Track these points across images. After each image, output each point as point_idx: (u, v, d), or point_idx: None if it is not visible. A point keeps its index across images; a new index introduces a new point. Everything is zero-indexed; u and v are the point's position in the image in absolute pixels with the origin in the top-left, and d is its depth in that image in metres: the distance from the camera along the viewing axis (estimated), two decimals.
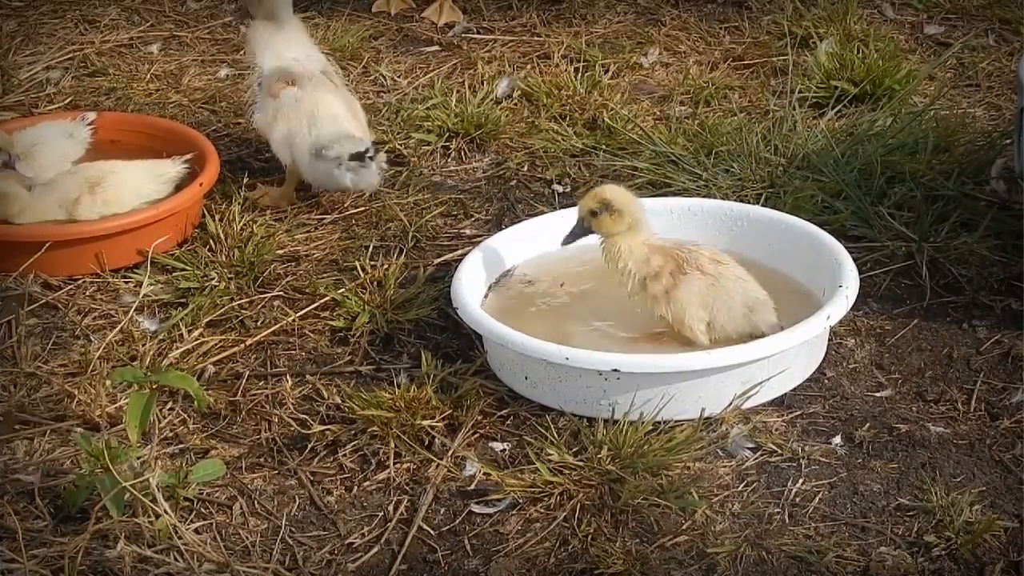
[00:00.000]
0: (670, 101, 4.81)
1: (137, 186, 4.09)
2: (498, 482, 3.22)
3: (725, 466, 3.28)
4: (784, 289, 3.68)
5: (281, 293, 3.90)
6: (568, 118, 4.70)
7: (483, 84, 4.88)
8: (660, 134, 4.53)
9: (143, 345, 3.68)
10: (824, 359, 3.61)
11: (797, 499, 3.20)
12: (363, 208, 4.27)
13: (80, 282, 3.96)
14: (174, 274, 3.96)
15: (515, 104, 4.80)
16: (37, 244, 3.92)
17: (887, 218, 3.99)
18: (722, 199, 4.09)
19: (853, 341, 3.69)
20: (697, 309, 3.51)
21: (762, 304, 3.53)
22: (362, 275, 3.93)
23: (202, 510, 3.21)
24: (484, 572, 3.05)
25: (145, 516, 3.08)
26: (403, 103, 4.80)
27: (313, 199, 4.30)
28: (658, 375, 3.33)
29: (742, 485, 3.23)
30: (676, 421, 3.36)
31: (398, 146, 4.55)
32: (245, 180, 4.32)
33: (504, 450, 3.35)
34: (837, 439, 3.36)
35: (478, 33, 5.32)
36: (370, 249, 4.07)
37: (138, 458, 3.17)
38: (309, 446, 3.37)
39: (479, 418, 3.43)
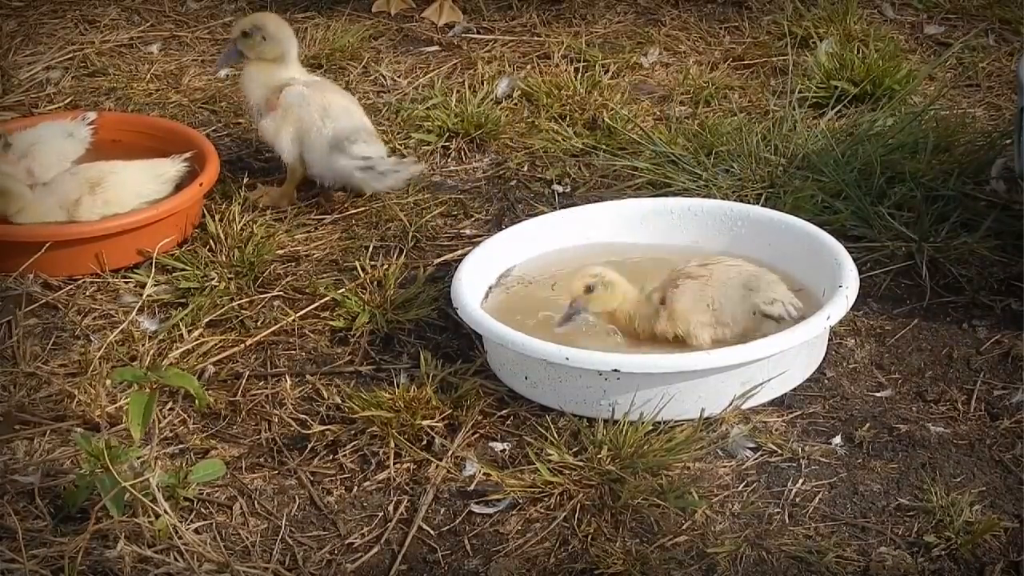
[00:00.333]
0: (670, 101, 4.81)
1: (137, 186, 4.09)
2: (498, 482, 3.22)
3: (725, 466, 3.28)
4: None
5: (281, 293, 3.90)
6: (568, 118, 4.70)
7: (483, 84, 4.88)
8: (660, 134, 4.53)
9: (143, 345, 3.68)
10: (824, 359, 3.61)
11: (797, 499, 3.20)
12: (363, 208, 4.27)
13: (80, 282, 3.96)
14: (174, 274, 3.96)
15: (515, 104, 4.80)
16: (37, 244, 3.92)
17: (887, 218, 3.99)
18: (722, 199, 4.09)
19: (853, 341, 3.69)
20: (697, 315, 3.51)
21: (764, 282, 3.52)
22: (362, 275, 3.93)
23: (202, 510, 3.21)
24: (484, 572, 3.05)
25: (145, 516, 3.08)
26: (403, 103, 4.80)
27: (313, 199, 4.30)
28: (658, 375, 3.33)
29: (742, 485, 3.23)
30: (676, 421, 3.36)
31: (398, 146, 4.55)
32: (245, 180, 4.32)
33: (504, 450, 3.35)
34: (837, 439, 3.36)
35: (478, 33, 5.33)
36: (370, 249, 4.07)
37: (138, 458, 3.17)
38: (309, 446, 3.37)
39: (479, 418, 3.43)
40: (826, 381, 3.55)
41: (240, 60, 4.34)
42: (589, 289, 3.55)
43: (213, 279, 3.91)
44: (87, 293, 3.93)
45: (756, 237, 3.85)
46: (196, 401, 3.41)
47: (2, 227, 3.98)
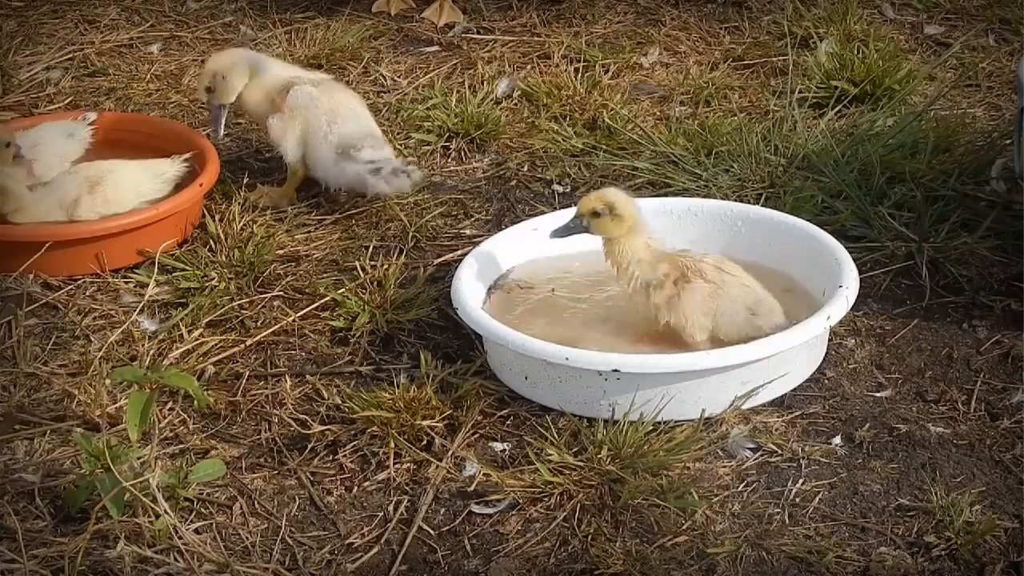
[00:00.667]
0: (670, 101, 4.81)
1: (136, 185, 4.10)
2: (498, 482, 3.22)
3: (725, 466, 3.28)
4: (784, 289, 3.68)
5: (281, 293, 3.90)
6: (568, 118, 4.70)
7: (483, 84, 4.89)
8: (660, 134, 4.53)
9: (143, 345, 3.68)
10: (824, 359, 3.61)
11: (797, 499, 3.20)
12: (363, 208, 4.27)
13: (80, 282, 3.96)
14: (174, 274, 3.96)
15: (515, 104, 4.80)
16: (37, 244, 3.92)
17: (887, 218, 3.99)
18: (722, 199, 4.09)
19: (853, 341, 3.69)
20: (699, 317, 3.51)
21: (766, 307, 3.52)
22: (362, 275, 3.93)
23: (202, 510, 3.21)
24: (484, 572, 3.05)
25: (145, 516, 3.08)
26: (403, 103, 4.80)
27: (313, 199, 4.30)
28: (658, 375, 3.33)
29: (742, 485, 3.23)
30: (676, 421, 3.36)
31: (398, 146, 4.55)
32: (245, 180, 4.33)
33: (504, 450, 3.35)
34: (837, 439, 3.36)
35: (478, 33, 5.33)
36: (370, 249, 4.07)
37: (138, 458, 3.17)
38: (309, 446, 3.37)
39: (479, 418, 3.43)
40: (826, 381, 3.55)
41: (227, 109, 4.32)
42: (596, 214, 3.54)
43: (213, 279, 3.91)
44: (87, 293, 3.93)
45: (756, 237, 3.85)
46: (195, 401, 3.41)
47: (2, 227, 3.99)
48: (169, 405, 3.51)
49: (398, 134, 4.62)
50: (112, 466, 3.08)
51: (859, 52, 4.91)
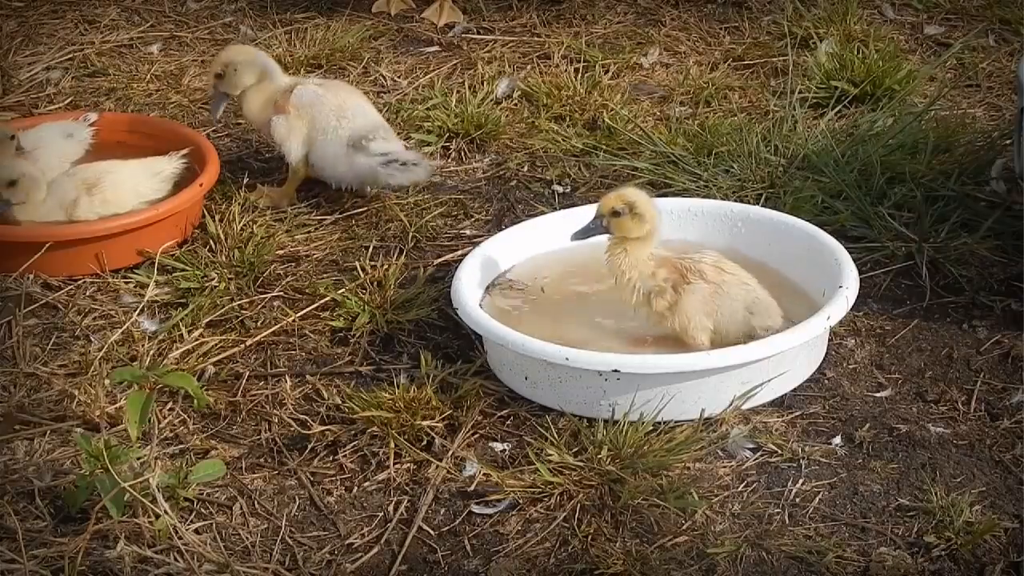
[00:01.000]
0: (670, 101, 4.81)
1: (135, 185, 4.09)
2: (498, 482, 3.22)
3: (725, 466, 3.28)
4: (784, 289, 3.68)
5: (281, 293, 3.90)
6: (568, 118, 4.70)
7: (483, 84, 4.89)
8: (660, 134, 4.53)
9: (143, 345, 3.68)
10: (824, 359, 3.61)
11: (797, 499, 3.19)
12: (363, 208, 4.27)
13: (80, 282, 3.96)
14: (174, 274, 3.96)
15: (515, 104, 4.80)
16: (37, 244, 3.92)
17: (887, 218, 3.99)
18: (722, 199, 4.09)
19: (853, 341, 3.69)
20: (701, 318, 3.51)
21: (763, 307, 3.52)
22: (362, 275, 3.93)
23: (202, 510, 3.21)
24: (484, 572, 3.05)
25: (145, 516, 3.08)
26: (403, 103, 4.80)
27: (314, 199, 4.30)
28: (658, 375, 3.33)
29: (742, 485, 3.23)
30: (676, 421, 3.36)
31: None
32: (245, 180, 4.33)
33: (504, 450, 3.35)
34: (837, 439, 3.36)
35: (478, 33, 5.33)
36: (370, 249, 4.07)
37: (138, 458, 3.17)
38: (309, 446, 3.37)
39: (479, 418, 3.43)
40: (826, 381, 3.55)
41: (229, 99, 4.33)
42: (616, 213, 3.53)
43: (213, 279, 3.91)
44: (87, 293, 3.93)
45: (756, 237, 3.85)
46: (195, 401, 3.41)
47: (2, 227, 3.99)
48: (169, 405, 3.51)
49: (398, 134, 4.61)
50: (112, 466, 3.08)
51: (859, 52, 4.91)
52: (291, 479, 3.31)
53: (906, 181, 4.12)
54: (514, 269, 3.83)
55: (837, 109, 4.65)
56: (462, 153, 4.57)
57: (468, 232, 4.17)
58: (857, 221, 4.02)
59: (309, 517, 3.21)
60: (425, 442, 3.36)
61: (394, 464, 3.31)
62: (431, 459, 3.31)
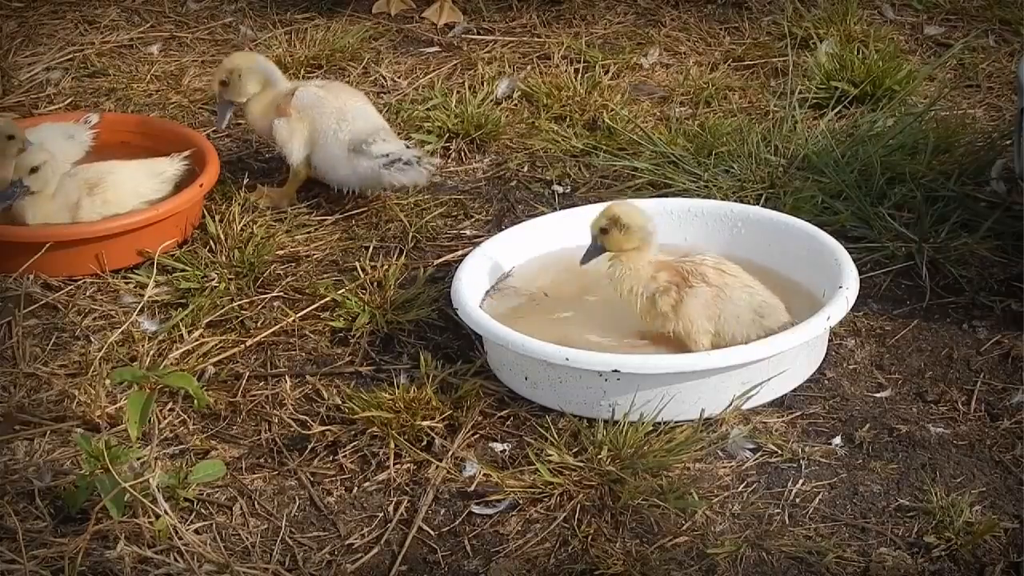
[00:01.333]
0: (670, 102, 4.81)
1: (136, 185, 4.09)
2: (498, 483, 3.22)
3: (725, 467, 3.28)
4: (784, 290, 3.68)
5: (281, 294, 3.90)
6: (568, 119, 4.70)
7: (483, 85, 4.89)
8: (660, 135, 4.53)
9: (143, 346, 3.68)
10: (824, 360, 3.61)
11: (797, 500, 3.20)
12: (363, 209, 4.27)
13: (80, 283, 3.96)
14: (174, 275, 3.96)
15: (515, 105, 4.81)
16: (37, 244, 3.92)
17: (887, 219, 3.99)
18: (722, 200, 4.09)
19: (853, 342, 3.69)
20: (703, 321, 3.50)
21: (772, 308, 3.52)
22: (362, 276, 3.93)
23: (202, 511, 3.21)
24: (484, 573, 3.05)
25: (145, 517, 3.08)
26: (403, 104, 4.80)
27: (314, 199, 4.31)
28: (658, 376, 3.33)
29: (742, 486, 3.23)
30: (676, 422, 3.36)
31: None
32: (245, 181, 4.32)
33: (504, 451, 3.35)
34: (837, 440, 3.36)
35: (478, 34, 5.33)
36: (370, 250, 4.07)
37: (138, 459, 3.17)
38: (309, 447, 3.37)
39: (479, 419, 3.43)
40: (826, 382, 3.55)
41: (234, 106, 4.33)
42: (604, 231, 3.54)
43: (213, 280, 3.92)
44: (87, 293, 3.93)
45: (756, 238, 3.85)
46: (195, 402, 3.41)
47: (2, 227, 3.98)
48: (169, 405, 3.51)
49: (399, 135, 4.61)
50: (112, 467, 3.08)
51: (859, 53, 4.91)
52: (291, 479, 3.31)
53: (906, 181, 4.12)
54: (514, 271, 3.83)
55: (837, 109, 4.65)
56: (462, 153, 4.57)
57: (468, 232, 4.17)
58: (857, 221, 4.02)
59: (309, 517, 3.21)
60: (425, 442, 3.36)
61: (394, 464, 3.31)
62: (431, 459, 3.31)
